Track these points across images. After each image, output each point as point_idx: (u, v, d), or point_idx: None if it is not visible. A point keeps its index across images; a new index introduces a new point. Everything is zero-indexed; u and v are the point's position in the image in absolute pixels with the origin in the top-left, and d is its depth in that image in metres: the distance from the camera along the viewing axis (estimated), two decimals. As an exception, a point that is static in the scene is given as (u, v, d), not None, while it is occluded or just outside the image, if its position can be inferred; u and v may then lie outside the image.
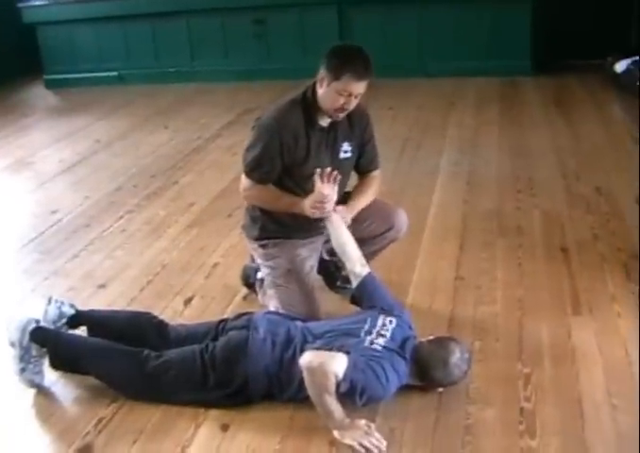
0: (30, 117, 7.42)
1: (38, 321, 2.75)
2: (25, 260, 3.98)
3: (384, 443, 2.34)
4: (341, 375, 2.32)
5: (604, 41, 6.86)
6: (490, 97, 6.61)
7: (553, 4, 6.99)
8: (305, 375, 2.38)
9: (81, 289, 3.58)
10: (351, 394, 2.36)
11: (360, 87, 2.75)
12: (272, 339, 2.60)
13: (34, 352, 2.70)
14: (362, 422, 2.38)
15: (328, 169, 2.78)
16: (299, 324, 2.71)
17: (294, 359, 2.52)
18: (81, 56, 8.36)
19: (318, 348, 2.47)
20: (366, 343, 2.51)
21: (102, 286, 3.60)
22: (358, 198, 3.00)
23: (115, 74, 8.34)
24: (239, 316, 2.80)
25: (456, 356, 2.51)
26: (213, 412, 2.57)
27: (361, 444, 2.33)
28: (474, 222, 4.02)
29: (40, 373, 2.74)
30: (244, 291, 3.39)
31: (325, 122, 2.90)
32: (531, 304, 3.15)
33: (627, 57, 6.47)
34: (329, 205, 2.80)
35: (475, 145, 5.35)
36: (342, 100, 2.76)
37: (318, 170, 2.78)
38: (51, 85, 8.51)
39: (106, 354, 2.69)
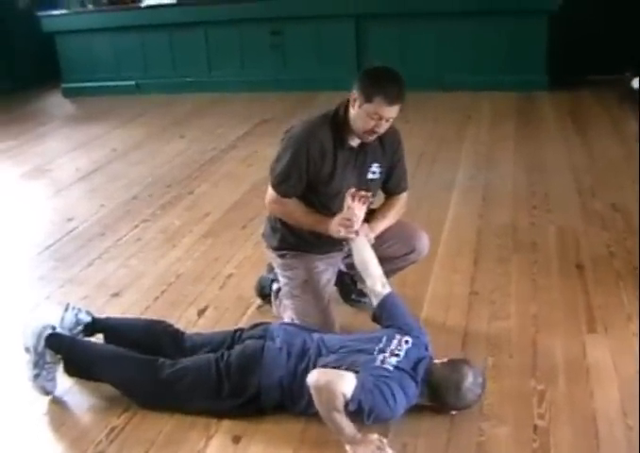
0: (47, 125, 7.48)
1: (54, 327, 2.75)
2: (40, 268, 4.00)
3: None
4: (349, 394, 2.31)
5: (621, 57, 6.84)
6: (506, 112, 6.61)
7: (570, 19, 6.97)
8: (312, 393, 2.37)
9: (95, 297, 3.59)
10: (359, 413, 2.35)
11: (391, 111, 2.72)
12: (287, 349, 2.60)
13: (48, 358, 2.71)
14: (375, 436, 2.36)
15: (363, 192, 2.78)
16: (316, 336, 2.70)
17: (306, 371, 2.52)
18: (99, 65, 8.43)
19: (325, 365, 2.47)
20: (377, 362, 2.49)
21: (116, 295, 3.61)
22: (381, 220, 2.98)
23: (132, 83, 8.39)
24: (255, 326, 2.81)
25: (469, 380, 2.48)
26: (225, 424, 2.57)
27: None
28: (489, 237, 4.01)
29: (52, 380, 2.74)
30: (258, 302, 3.39)
31: (354, 142, 2.87)
32: (546, 320, 3.14)
33: (644, 73, 6.46)
34: (357, 224, 2.78)
35: (491, 160, 5.34)
36: (372, 123, 2.73)
37: (352, 190, 2.77)
38: (68, 93, 8.58)
39: (120, 361, 2.70)
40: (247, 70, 8.06)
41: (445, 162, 5.30)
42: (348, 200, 2.76)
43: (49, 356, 2.71)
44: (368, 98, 2.69)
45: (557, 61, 7.12)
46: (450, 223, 4.20)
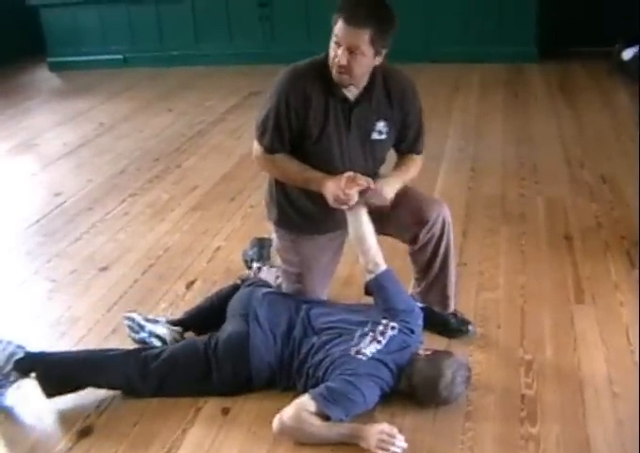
0: (34, 99, 7.40)
1: (24, 348, 2.60)
2: (27, 242, 3.98)
3: (403, 440, 2.29)
4: (313, 408, 2.29)
5: (611, 29, 6.79)
6: (495, 83, 6.58)
7: (560, -10, 6.95)
8: (288, 436, 2.34)
9: (83, 271, 3.58)
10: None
11: (349, 35, 2.35)
12: (272, 331, 2.57)
13: (12, 378, 2.57)
14: (384, 426, 2.31)
15: (363, 180, 2.50)
16: (301, 311, 2.66)
17: (291, 355, 2.53)
18: (85, 38, 8.32)
19: (302, 366, 2.49)
20: (352, 352, 2.44)
21: (104, 269, 3.60)
22: (396, 181, 2.64)
23: (119, 56, 8.30)
24: (236, 287, 2.88)
25: (446, 381, 2.39)
26: (214, 396, 2.57)
27: (384, 449, 2.27)
28: (477, 208, 4.01)
29: (2, 394, 2.58)
30: (247, 273, 3.37)
31: (350, 93, 2.52)
32: (534, 291, 3.15)
33: (634, 44, 6.43)
34: (351, 203, 2.52)
35: (479, 132, 5.33)
36: (334, 51, 2.39)
37: (350, 174, 2.50)
38: (55, 68, 8.48)
39: (103, 364, 2.58)
40: (235, 42, 7.98)
41: (433, 134, 5.19)
42: (345, 181, 2.49)
43: (13, 376, 2.56)
44: (336, 20, 2.38)
45: (547, 33, 7.08)
46: (439, 194, 4.16)
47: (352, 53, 2.38)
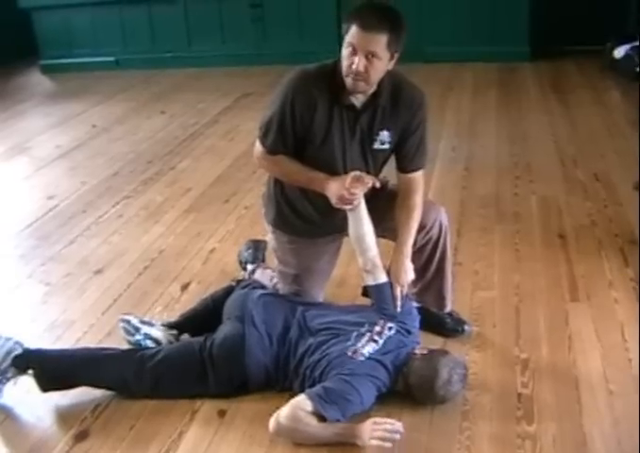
0: (26, 102, 7.38)
1: (22, 345, 2.62)
2: (21, 246, 3.97)
3: (398, 424, 2.29)
4: (310, 408, 2.29)
5: (603, 27, 6.82)
6: (488, 83, 6.60)
7: (552, -11, 6.96)
8: (284, 436, 2.33)
9: (78, 274, 3.57)
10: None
11: (365, 41, 2.34)
12: (268, 332, 2.57)
13: (9, 375, 2.58)
14: (371, 421, 2.30)
15: (369, 178, 2.48)
16: (297, 312, 2.65)
17: (287, 357, 2.53)
18: (77, 41, 8.32)
19: (299, 365, 2.49)
20: (349, 353, 2.44)
21: (99, 272, 3.59)
22: (406, 235, 2.62)
23: (112, 59, 8.30)
24: (231, 289, 2.85)
25: (442, 380, 2.38)
26: (210, 398, 2.56)
27: (381, 439, 2.26)
28: (472, 207, 4.01)
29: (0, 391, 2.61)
30: (242, 275, 3.37)
31: (357, 100, 2.50)
32: (529, 290, 3.15)
33: (626, 42, 6.45)
34: (356, 202, 2.53)
35: (473, 131, 5.34)
36: (349, 59, 2.37)
37: (357, 173, 2.48)
38: (47, 70, 8.47)
39: (99, 363, 2.59)
40: (228, 44, 7.98)
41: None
42: (351, 181, 2.46)
43: (11, 373, 2.57)
44: (347, 28, 2.37)
45: (539, 32, 7.10)
46: (433, 194, 4.17)
47: (369, 59, 2.36)
